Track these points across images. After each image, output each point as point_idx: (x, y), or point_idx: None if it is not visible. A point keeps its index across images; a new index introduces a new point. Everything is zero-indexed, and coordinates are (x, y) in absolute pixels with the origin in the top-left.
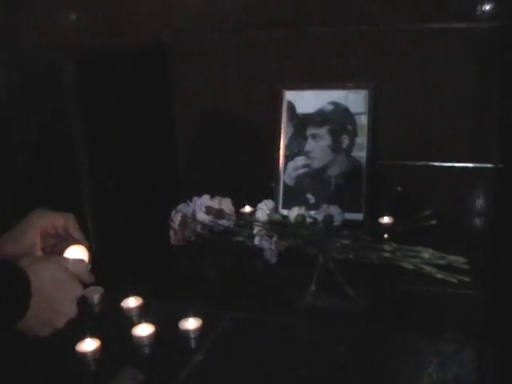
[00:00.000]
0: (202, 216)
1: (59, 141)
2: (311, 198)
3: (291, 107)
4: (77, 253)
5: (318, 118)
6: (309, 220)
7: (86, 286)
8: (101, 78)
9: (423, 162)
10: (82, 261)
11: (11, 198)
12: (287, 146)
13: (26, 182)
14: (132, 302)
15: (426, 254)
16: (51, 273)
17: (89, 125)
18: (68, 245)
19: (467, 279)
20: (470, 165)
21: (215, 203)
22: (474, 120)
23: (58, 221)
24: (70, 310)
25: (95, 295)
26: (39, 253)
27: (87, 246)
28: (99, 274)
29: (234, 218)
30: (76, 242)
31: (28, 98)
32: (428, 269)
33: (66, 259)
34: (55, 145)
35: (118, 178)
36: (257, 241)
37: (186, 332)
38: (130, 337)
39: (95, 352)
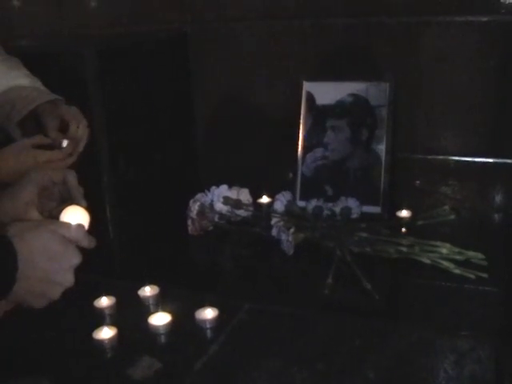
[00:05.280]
0: (219, 206)
1: None
2: (329, 190)
3: (311, 98)
4: (74, 214)
5: (338, 109)
6: (326, 212)
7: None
8: (122, 67)
9: (442, 156)
10: (79, 225)
11: None
12: (306, 138)
13: None
14: (149, 291)
15: (444, 249)
16: (43, 241)
17: (109, 113)
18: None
19: (485, 275)
20: (490, 160)
21: (233, 193)
22: (494, 115)
23: (57, 176)
24: (66, 280)
25: None
26: (35, 213)
27: (85, 206)
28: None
29: (251, 208)
30: (74, 201)
31: (50, 85)
32: (445, 264)
33: (61, 224)
34: None
35: (137, 167)
36: (274, 232)
37: (203, 322)
38: (147, 325)
39: (112, 340)
